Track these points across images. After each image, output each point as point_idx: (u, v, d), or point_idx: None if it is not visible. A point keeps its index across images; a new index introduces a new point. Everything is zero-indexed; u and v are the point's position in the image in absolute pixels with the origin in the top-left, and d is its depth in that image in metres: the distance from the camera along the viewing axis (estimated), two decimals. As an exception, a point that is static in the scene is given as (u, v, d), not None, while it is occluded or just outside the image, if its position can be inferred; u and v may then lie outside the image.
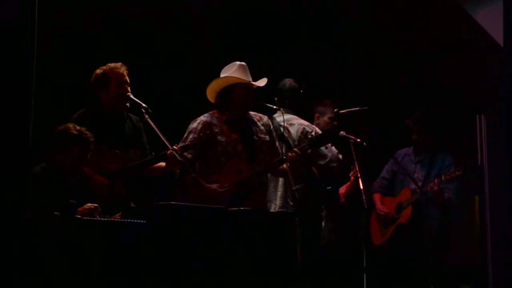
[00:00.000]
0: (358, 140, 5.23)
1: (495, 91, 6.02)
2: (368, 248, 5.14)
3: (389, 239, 5.91)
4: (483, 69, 6.30)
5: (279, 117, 5.12)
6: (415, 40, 6.41)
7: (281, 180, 5.14)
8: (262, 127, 4.86)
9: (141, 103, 4.56)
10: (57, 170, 4.38)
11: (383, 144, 6.20)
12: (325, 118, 5.58)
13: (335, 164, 5.19)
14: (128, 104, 4.66)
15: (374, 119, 5.79)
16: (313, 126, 5.29)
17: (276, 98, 5.33)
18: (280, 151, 4.83)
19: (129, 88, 4.66)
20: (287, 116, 5.13)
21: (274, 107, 4.92)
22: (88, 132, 4.37)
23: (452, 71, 6.40)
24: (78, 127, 4.38)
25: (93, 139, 4.36)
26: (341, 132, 5.26)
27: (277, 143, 4.88)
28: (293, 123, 5.22)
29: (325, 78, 6.42)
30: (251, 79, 4.75)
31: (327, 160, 5.17)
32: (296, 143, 5.08)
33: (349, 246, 5.79)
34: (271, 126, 4.91)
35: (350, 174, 5.89)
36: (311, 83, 5.56)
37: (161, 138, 4.35)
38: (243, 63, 4.77)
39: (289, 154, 4.62)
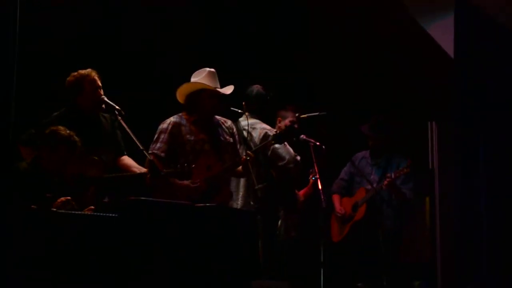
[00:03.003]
0: (318, 143, 5.45)
1: (446, 100, 6.33)
2: (326, 245, 5.32)
3: (346, 236, 6.09)
4: (435, 80, 6.46)
5: (243, 121, 5.30)
6: (371, 50, 6.56)
7: (242, 181, 5.29)
8: (226, 130, 5.04)
9: (115, 105, 4.68)
10: (41, 168, 4.43)
11: (341, 148, 6.32)
12: (286, 121, 5.70)
13: (292, 165, 5.35)
14: (104, 106, 4.78)
15: (333, 124, 5.94)
16: (275, 130, 5.41)
17: (243, 103, 5.49)
18: (241, 153, 4.99)
19: (102, 92, 4.76)
20: (252, 121, 5.33)
21: (239, 111, 5.14)
22: (77, 137, 4.45)
23: (407, 80, 6.55)
24: (68, 131, 4.45)
25: (80, 144, 4.44)
26: (302, 136, 5.50)
27: (238, 146, 5.06)
28: (256, 127, 5.38)
29: (288, 85, 6.56)
30: (219, 86, 4.90)
31: (285, 161, 5.33)
32: (256, 145, 5.23)
33: (309, 243, 5.93)
34: (234, 130, 5.09)
35: (310, 177, 6.04)
36: (275, 90, 5.72)
37: (134, 139, 4.51)
38: (212, 69, 4.93)
39: (249, 152, 4.80)
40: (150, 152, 4.76)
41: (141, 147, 4.51)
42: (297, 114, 5.59)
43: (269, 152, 5.31)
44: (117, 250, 3.89)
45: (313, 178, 6.01)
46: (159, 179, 4.56)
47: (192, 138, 4.86)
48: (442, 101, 6.35)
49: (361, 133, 6.18)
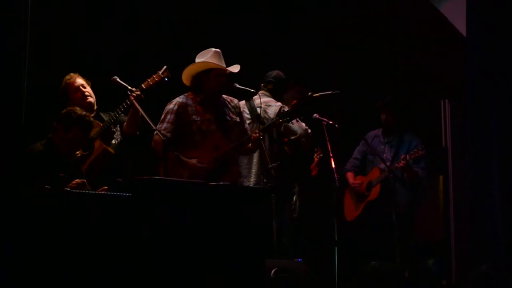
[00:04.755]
0: (331, 122, 5.39)
1: (458, 78, 6.11)
2: (340, 223, 5.29)
3: (360, 215, 6.12)
4: (449, 58, 6.41)
5: (257, 99, 5.32)
6: (384, 29, 6.52)
7: (255, 158, 5.32)
8: (232, 109, 5.05)
9: (127, 85, 4.70)
10: (55, 148, 4.47)
11: (354, 126, 6.34)
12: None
13: (304, 139, 5.40)
14: (90, 100, 4.95)
15: (346, 103, 5.99)
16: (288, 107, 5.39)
17: (262, 84, 5.56)
18: (249, 132, 5.00)
19: (86, 91, 4.93)
20: (266, 99, 5.41)
21: (252, 90, 5.09)
22: (92, 119, 4.52)
23: (419, 58, 6.54)
24: (83, 111, 4.51)
25: (93, 126, 4.52)
26: (314, 115, 5.45)
27: (246, 125, 5.08)
28: (271, 105, 5.44)
29: (300, 63, 6.53)
30: (225, 65, 4.92)
31: (297, 135, 5.38)
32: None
33: (323, 222, 5.94)
34: (241, 109, 5.11)
35: (315, 156, 6.08)
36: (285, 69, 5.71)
37: (146, 119, 4.51)
38: (217, 49, 4.94)
39: (257, 131, 4.83)
40: (156, 132, 4.76)
41: (153, 127, 4.56)
42: (309, 93, 5.49)
43: (282, 128, 5.35)
44: (131, 229, 3.86)
45: (318, 157, 6.12)
46: (170, 157, 4.58)
47: (199, 118, 4.87)
48: (455, 79, 6.31)
49: (373, 113, 6.17)
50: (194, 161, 4.73)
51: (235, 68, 4.94)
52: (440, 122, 6.48)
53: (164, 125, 4.87)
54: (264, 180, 5.23)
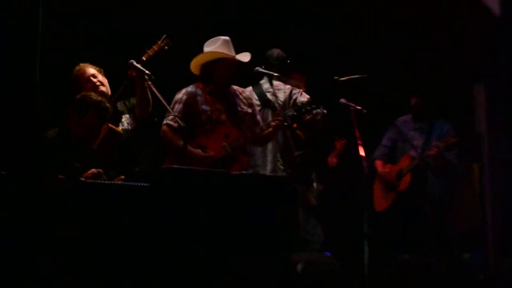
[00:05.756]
0: (358, 107, 5.18)
1: (492, 60, 6.05)
2: (369, 214, 5.11)
3: (390, 205, 5.98)
4: (481, 40, 6.22)
5: (265, 84, 5.26)
6: (414, 10, 6.41)
7: (269, 145, 5.21)
8: (244, 100, 4.99)
9: (145, 70, 4.60)
10: (69, 135, 4.37)
11: (382, 112, 6.19)
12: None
13: (319, 117, 5.28)
14: (103, 90, 4.82)
15: (373, 87, 5.80)
16: (300, 89, 5.35)
17: (263, 66, 5.40)
18: (261, 124, 4.91)
19: (97, 80, 4.82)
20: (275, 82, 5.30)
21: (275, 74, 5.10)
22: (109, 105, 4.41)
23: (451, 41, 6.43)
24: (99, 97, 4.42)
25: (109, 112, 4.41)
26: (341, 100, 5.22)
27: (258, 117, 4.99)
28: (281, 88, 5.33)
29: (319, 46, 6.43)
30: (234, 54, 4.85)
31: (314, 113, 5.23)
32: (285, 105, 5.18)
33: (349, 213, 5.89)
34: (252, 100, 5.05)
35: (337, 143, 6.07)
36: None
37: (164, 104, 4.47)
38: (227, 37, 4.88)
39: (278, 118, 4.76)
40: (164, 122, 4.79)
41: (172, 112, 4.60)
42: (335, 77, 5.36)
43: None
44: (150, 222, 3.75)
45: (340, 145, 6.14)
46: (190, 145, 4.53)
47: (208, 108, 4.83)
48: (489, 61, 6.11)
49: (402, 98, 6.08)
50: (198, 150, 4.67)
51: (246, 57, 4.88)
52: (473, 107, 6.18)
53: (171, 115, 4.79)
54: (281, 167, 5.13)
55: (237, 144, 4.74)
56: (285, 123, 4.81)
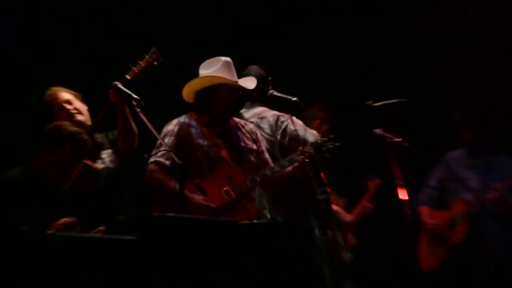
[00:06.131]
0: (397, 139, 4.72)
1: None
2: (415, 274, 4.95)
3: (441, 263, 5.49)
4: None
5: (246, 113, 4.88)
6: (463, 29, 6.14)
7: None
8: (247, 134, 4.62)
9: (132, 94, 4.20)
10: (37, 175, 4.05)
11: (428, 145, 5.84)
12: (316, 123, 5.21)
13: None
14: (79, 119, 4.59)
15: (416, 114, 5.58)
16: (288, 115, 4.84)
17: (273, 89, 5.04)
18: (271, 163, 4.55)
19: (72, 107, 4.59)
20: (257, 109, 4.90)
21: (294, 98, 4.61)
22: (87, 137, 4.14)
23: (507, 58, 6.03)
24: (75, 127, 4.15)
25: (89, 145, 4.15)
26: (376, 130, 4.75)
27: (266, 154, 4.61)
28: (265, 116, 4.87)
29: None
30: (236, 79, 4.48)
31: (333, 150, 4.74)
32: (273, 137, 4.80)
33: (394, 270, 5.54)
34: (258, 134, 4.67)
35: (369, 182, 5.75)
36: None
37: (153, 132, 4.05)
38: (228, 59, 4.49)
39: (308, 150, 4.35)
40: (152, 160, 4.36)
41: (161, 140, 4.23)
42: (368, 102, 4.80)
43: (286, 140, 4.78)
44: (138, 282, 3.39)
45: (374, 186, 5.75)
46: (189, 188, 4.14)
47: (205, 143, 4.43)
48: None
49: (452, 127, 5.60)
50: (198, 195, 4.22)
51: (250, 82, 4.52)
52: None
53: (162, 151, 4.41)
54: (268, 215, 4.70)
55: (242, 188, 4.30)
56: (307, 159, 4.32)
